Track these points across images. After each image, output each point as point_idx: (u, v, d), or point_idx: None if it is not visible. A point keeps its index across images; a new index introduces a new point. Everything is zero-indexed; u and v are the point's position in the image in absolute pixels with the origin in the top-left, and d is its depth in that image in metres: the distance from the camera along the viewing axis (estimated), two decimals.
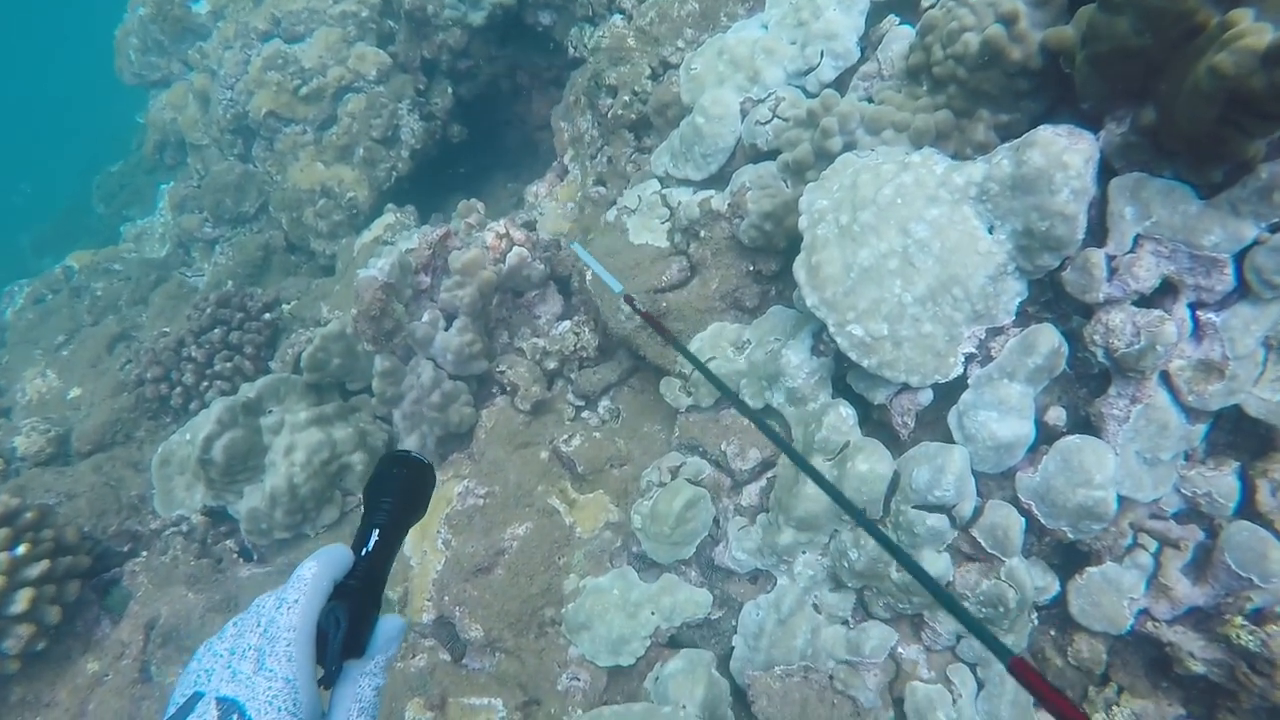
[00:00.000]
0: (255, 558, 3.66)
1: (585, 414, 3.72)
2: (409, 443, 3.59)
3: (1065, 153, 2.32)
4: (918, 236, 2.55)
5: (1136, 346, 2.35)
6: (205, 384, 4.13)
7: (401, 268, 3.45)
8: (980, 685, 2.78)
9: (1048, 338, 2.48)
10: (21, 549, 2.77)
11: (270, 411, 3.57)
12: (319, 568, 0.85)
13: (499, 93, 6.23)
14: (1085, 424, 2.58)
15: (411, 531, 3.26)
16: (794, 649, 2.87)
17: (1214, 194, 2.25)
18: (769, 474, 3.11)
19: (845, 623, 2.91)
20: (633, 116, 4.12)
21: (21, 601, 2.71)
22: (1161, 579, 2.57)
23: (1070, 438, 2.51)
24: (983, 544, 2.62)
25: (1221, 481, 2.47)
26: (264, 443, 3.53)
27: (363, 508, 1.00)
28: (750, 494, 3.12)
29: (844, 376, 2.93)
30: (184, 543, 3.44)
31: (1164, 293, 2.41)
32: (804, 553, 2.92)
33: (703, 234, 3.38)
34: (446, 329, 3.62)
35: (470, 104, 6.19)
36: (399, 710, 2.96)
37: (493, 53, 5.90)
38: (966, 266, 2.51)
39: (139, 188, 9.03)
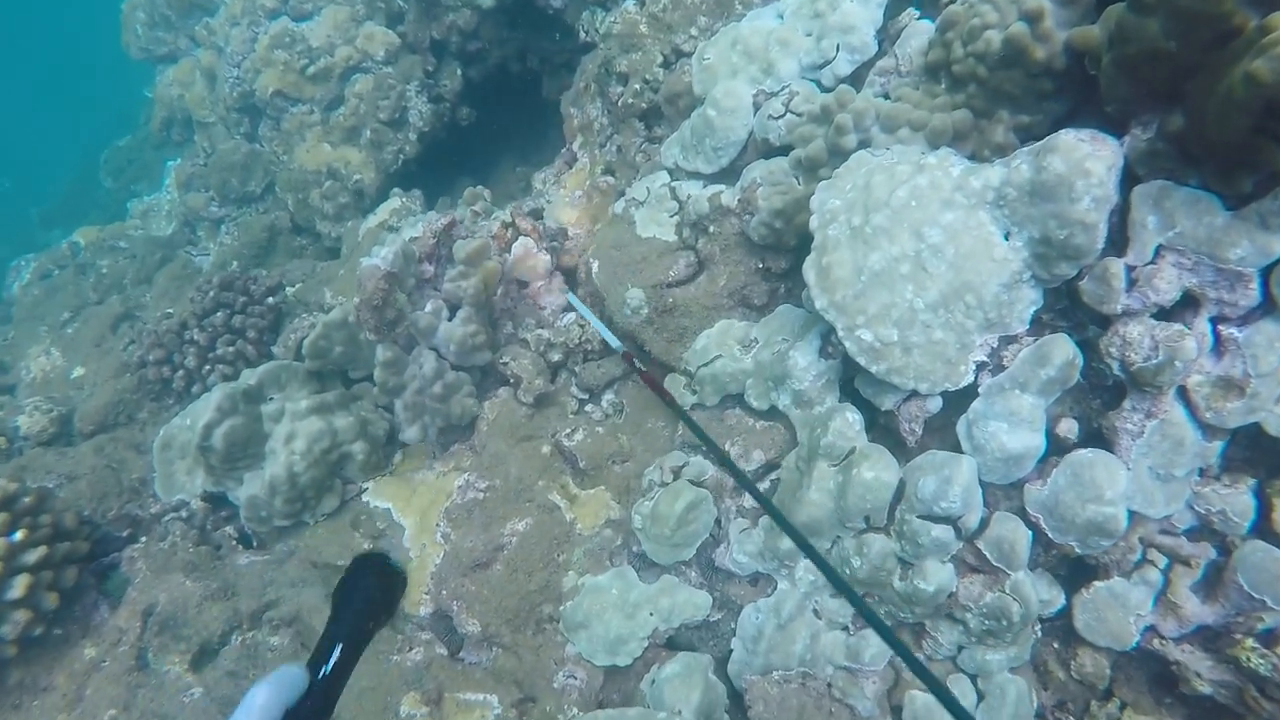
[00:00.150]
0: (255, 544, 3.65)
1: (589, 408, 3.68)
2: (410, 433, 3.55)
3: (1087, 159, 2.24)
4: (931, 241, 2.48)
5: (1154, 361, 2.28)
6: (207, 367, 4.10)
7: (405, 256, 3.40)
8: (980, 696, 2.75)
9: (1062, 349, 2.41)
10: (19, 535, 2.76)
11: (271, 399, 3.54)
12: (269, 696, 0.81)
13: (509, 75, 6.13)
14: (1098, 436, 2.52)
15: (411, 524, 3.24)
16: (793, 654, 2.84)
17: (1242, 205, 2.17)
18: (772, 475, 3.07)
19: (845, 629, 2.88)
20: (643, 105, 4.03)
21: (18, 588, 2.70)
22: (1170, 596, 2.53)
23: (1081, 451, 2.46)
24: (988, 556, 2.57)
25: (1237, 499, 2.42)
26: (264, 430, 3.51)
27: (330, 610, 0.97)
28: None
29: (852, 379, 2.88)
30: (183, 528, 3.43)
31: (1185, 305, 2.34)
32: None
33: (712, 229, 3.32)
34: (450, 319, 3.58)
35: (479, 86, 6.11)
36: (394, 704, 2.96)
37: (503, 35, 5.80)
38: (980, 273, 2.45)
39: (147, 162, 8.98)
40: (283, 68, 5.63)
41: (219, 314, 4.17)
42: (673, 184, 3.57)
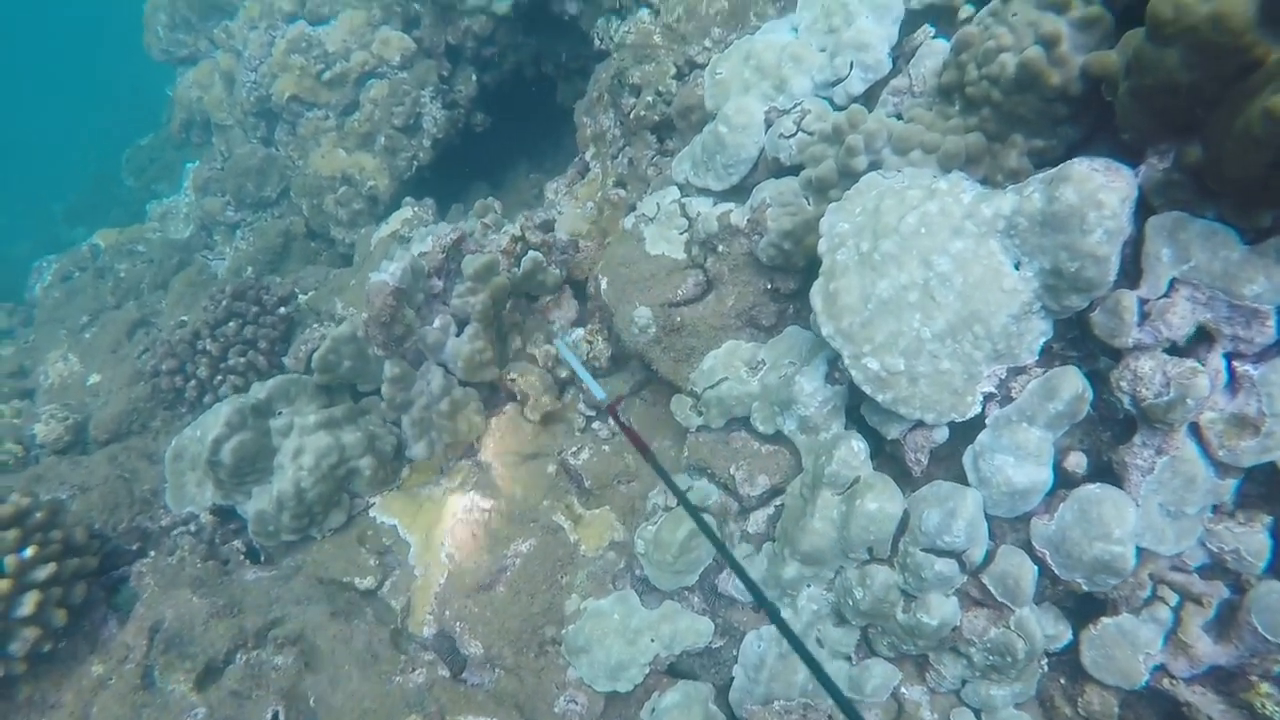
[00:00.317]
0: (263, 558, 3.67)
1: (595, 425, 3.66)
2: (417, 450, 3.56)
3: (1100, 190, 2.18)
4: (940, 270, 2.44)
5: (1165, 398, 2.23)
6: (219, 378, 4.14)
7: (413, 272, 3.40)
8: None
9: (1071, 383, 2.36)
10: (29, 551, 2.79)
11: (280, 413, 3.56)
12: None
13: (523, 80, 6.12)
14: (1107, 470, 2.47)
15: (417, 540, 3.24)
16: (794, 684, 2.81)
17: (1260, 239, 2.11)
18: (777, 501, 3.04)
19: (848, 659, 2.85)
20: (655, 118, 4.00)
21: (28, 605, 2.74)
22: (1181, 635, 2.47)
23: (1089, 487, 2.41)
24: (993, 591, 2.53)
25: (1251, 539, 2.35)
26: (273, 445, 3.53)
27: None
28: (757, 520, 3.05)
29: (859, 404, 2.84)
30: (192, 542, 3.46)
31: (1199, 340, 2.27)
32: (809, 586, 2.85)
33: (720, 249, 3.28)
34: (458, 334, 3.58)
35: (494, 91, 6.10)
36: None
37: (518, 40, 5.79)
38: (989, 304, 2.40)
39: (168, 162, 9.08)
40: (299, 72, 5.64)
41: (231, 324, 4.19)
42: (682, 200, 3.53)
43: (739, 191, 3.38)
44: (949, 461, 2.68)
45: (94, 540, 3.25)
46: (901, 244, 2.51)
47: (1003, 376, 2.49)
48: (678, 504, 3.04)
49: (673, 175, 3.66)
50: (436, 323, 3.52)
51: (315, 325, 4.29)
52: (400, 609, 3.36)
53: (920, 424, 2.60)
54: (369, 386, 3.78)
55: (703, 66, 3.84)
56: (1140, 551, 2.37)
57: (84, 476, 3.76)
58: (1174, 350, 2.29)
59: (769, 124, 3.28)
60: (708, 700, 2.84)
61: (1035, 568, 2.50)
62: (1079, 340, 2.48)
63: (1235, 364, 2.25)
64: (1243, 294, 2.13)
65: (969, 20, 2.91)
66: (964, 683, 2.72)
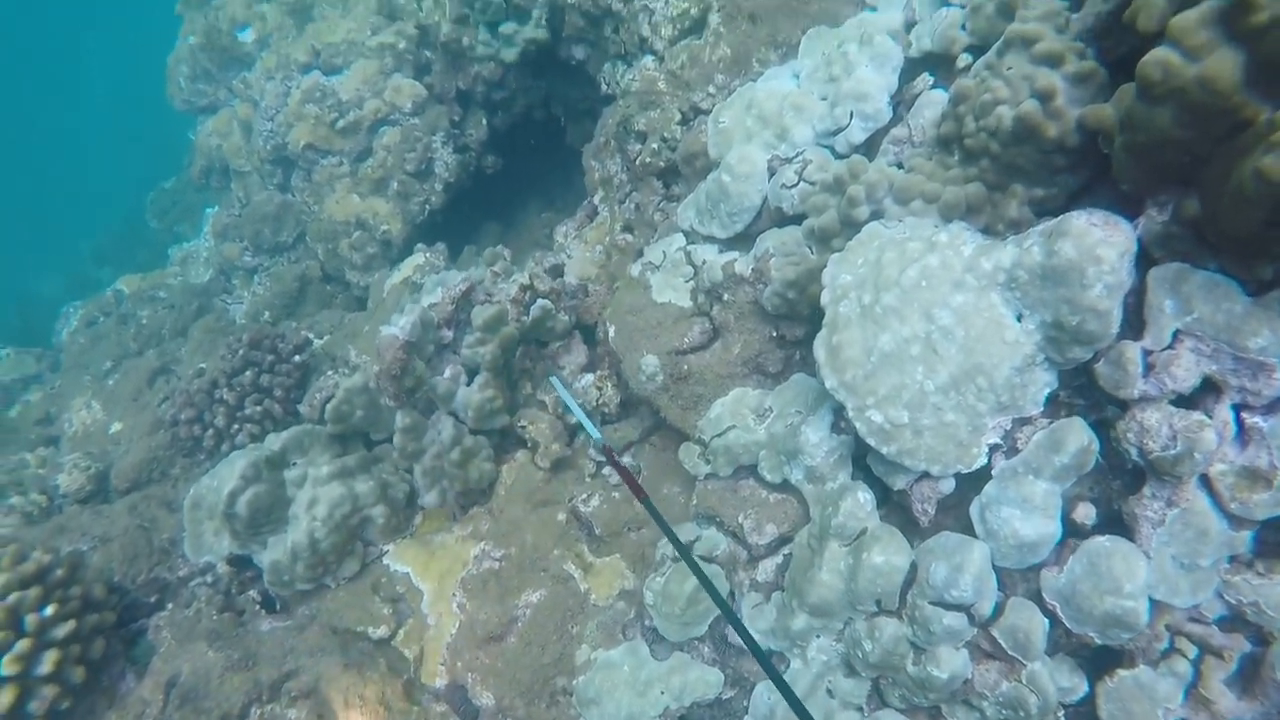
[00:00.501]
0: (278, 606, 3.71)
1: (606, 470, 3.68)
2: (429, 499, 3.60)
3: (1099, 245, 2.18)
4: (942, 323, 2.45)
5: (1173, 451, 2.21)
6: (236, 426, 4.21)
7: (423, 324, 3.45)
8: None
9: (1076, 436, 2.34)
10: (50, 609, 2.85)
11: (294, 463, 3.61)
12: None
13: (533, 122, 6.22)
14: (1117, 520, 2.44)
15: (430, 589, 3.27)
16: None
17: (1262, 292, 2.09)
18: (785, 549, 3.03)
19: (859, 710, 2.82)
20: (661, 164, 4.05)
21: (48, 663, 2.78)
22: (1202, 689, 2.42)
23: (1099, 540, 2.38)
24: (1003, 645, 2.50)
25: (1271, 591, 2.30)
26: (288, 495, 3.57)
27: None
28: (766, 569, 3.04)
29: (865, 454, 2.84)
30: (209, 593, 3.50)
31: (1206, 390, 2.25)
32: (818, 637, 2.84)
33: (726, 297, 3.31)
34: (468, 383, 3.62)
35: (504, 134, 6.20)
36: None
37: (528, 84, 5.89)
38: (992, 356, 2.40)
39: (190, 204, 9.31)
40: (314, 121, 5.78)
41: (248, 372, 4.27)
42: (688, 248, 3.57)
43: (744, 239, 3.41)
44: (957, 510, 2.67)
45: (113, 595, 3.31)
46: (903, 297, 2.52)
47: (1008, 428, 2.49)
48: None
49: (678, 222, 3.70)
50: (447, 373, 3.56)
51: (330, 372, 4.36)
52: (413, 658, 3.38)
53: (926, 475, 2.60)
54: (382, 435, 3.83)
55: (707, 112, 3.89)
56: (1155, 603, 2.34)
57: (105, 527, 3.83)
58: (1181, 401, 2.27)
59: (772, 172, 3.32)
60: None
61: (1046, 621, 2.47)
62: (1085, 388, 2.46)
63: (1244, 415, 2.23)
64: (1247, 346, 2.11)
65: (966, 69, 2.94)
66: None
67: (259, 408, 4.21)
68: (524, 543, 3.42)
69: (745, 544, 3.07)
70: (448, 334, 3.62)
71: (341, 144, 5.81)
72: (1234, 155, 1.92)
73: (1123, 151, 2.20)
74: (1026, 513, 2.42)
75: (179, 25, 7.49)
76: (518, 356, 3.84)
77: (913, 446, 2.52)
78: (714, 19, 3.97)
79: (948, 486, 2.60)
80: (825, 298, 2.75)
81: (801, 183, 3.13)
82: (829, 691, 2.85)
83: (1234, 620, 2.41)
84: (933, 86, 3.02)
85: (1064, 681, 2.55)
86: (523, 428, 3.72)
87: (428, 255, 4.96)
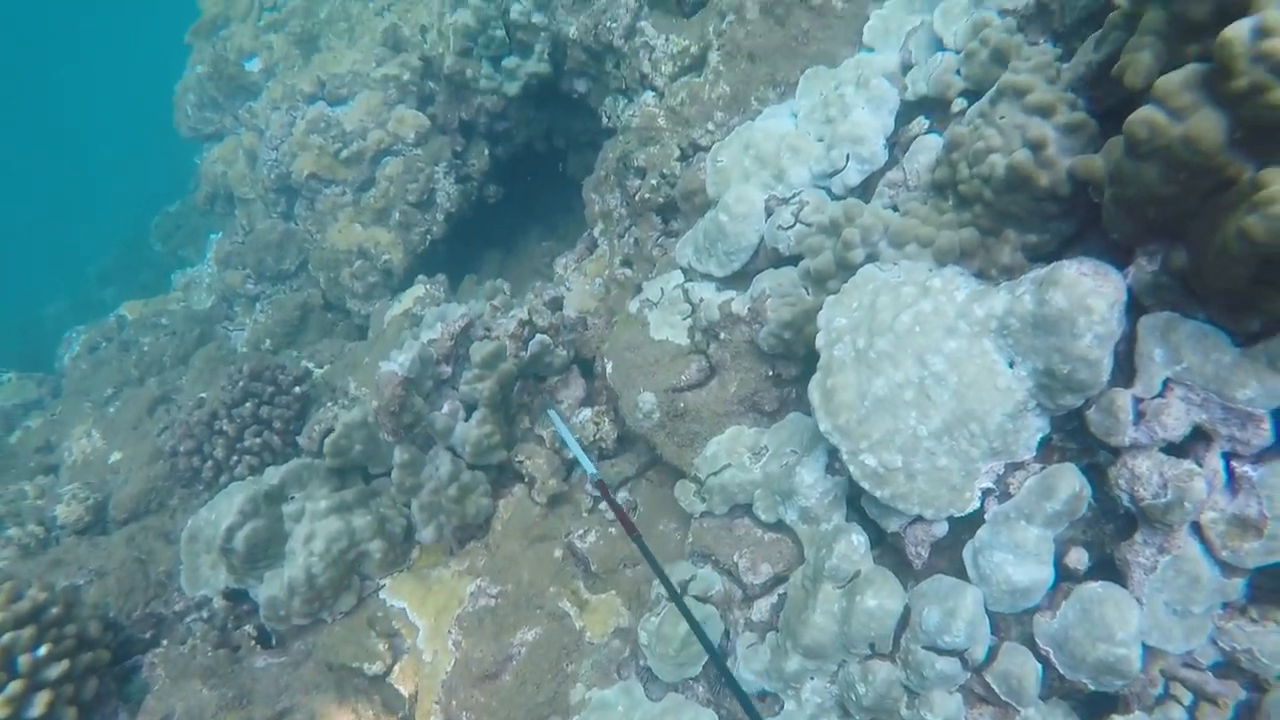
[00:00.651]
0: (274, 641, 3.70)
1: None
2: (426, 534, 3.61)
3: (1089, 295, 2.21)
4: (935, 369, 2.47)
5: (1163, 499, 2.22)
6: (235, 458, 4.22)
7: (422, 361, 3.48)
8: None
9: (1068, 482, 2.36)
10: (43, 650, 2.85)
11: (292, 498, 3.62)
12: None
13: (535, 153, 6.29)
14: (1110, 564, 2.44)
15: (426, 625, 3.26)
16: None
17: (1251, 343, 2.11)
18: (780, 589, 3.03)
19: None
20: (660, 200, 4.10)
21: (39, 705, 2.78)
22: None
23: (1092, 586, 2.38)
24: (996, 690, 2.50)
25: (1265, 639, 2.31)
26: (285, 530, 3.58)
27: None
28: (761, 609, 3.04)
29: (860, 496, 2.85)
30: (204, 629, 3.50)
31: (1196, 437, 2.27)
32: (812, 678, 2.83)
33: (723, 335, 3.33)
34: (466, 419, 3.64)
35: (506, 164, 6.27)
36: None
37: (530, 115, 5.96)
38: (984, 402, 2.42)
39: (194, 228, 9.39)
40: (318, 151, 5.84)
41: (247, 404, 4.29)
42: (686, 285, 3.60)
43: (740, 277, 3.45)
44: (951, 551, 2.67)
45: (108, 632, 3.31)
46: (896, 342, 2.55)
47: (1000, 472, 2.50)
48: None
49: (676, 259, 3.74)
50: (445, 408, 3.58)
51: (329, 403, 4.38)
52: (408, 696, 3.37)
53: (920, 518, 2.61)
54: (380, 469, 3.84)
55: (706, 149, 3.94)
56: (1148, 649, 2.34)
57: (102, 560, 3.84)
58: (1172, 448, 2.29)
59: (769, 212, 3.35)
60: None
61: (1039, 666, 2.47)
62: (1078, 433, 2.48)
63: (1234, 464, 2.24)
64: (1236, 397, 2.13)
65: (961, 114, 2.99)
66: None
67: (258, 440, 4.23)
68: (520, 579, 3.42)
69: (740, 583, 3.07)
70: (446, 370, 3.65)
71: (345, 174, 5.87)
72: (1219, 212, 1.95)
73: (1112, 203, 2.23)
74: (1019, 558, 2.42)
75: (187, 52, 7.61)
76: (516, 391, 3.86)
77: (906, 490, 2.53)
78: (714, 57, 4.03)
79: (941, 530, 2.61)
80: (820, 340, 2.77)
81: (798, 224, 3.16)
82: None
83: (1228, 667, 2.41)
84: (928, 131, 3.07)
85: None
86: (520, 463, 3.73)
87: (428, 287, 5.00)
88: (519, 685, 3.14)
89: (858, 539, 2.70)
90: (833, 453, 2.90)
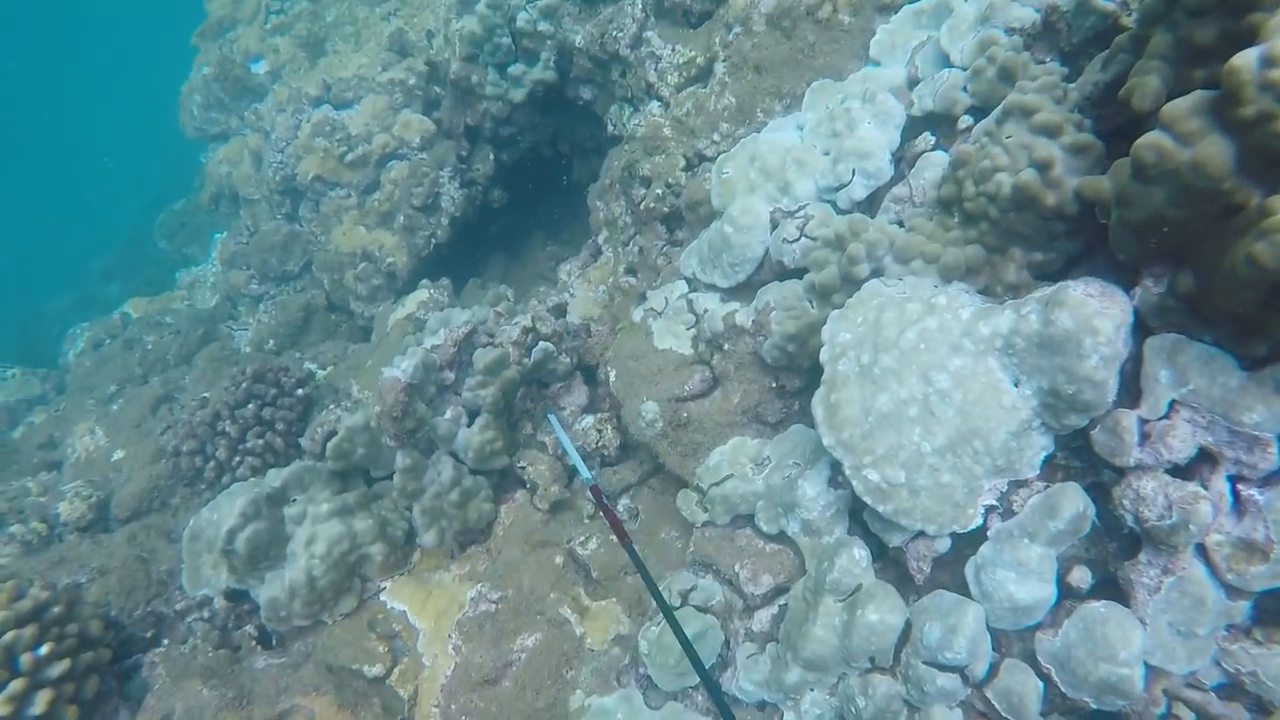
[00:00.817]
0: (274, 642, 3.70)
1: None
2: (427, 539, 3.61)
3: (1095, 317, 2.22)
4: (939, 386, 2.47)
5: (1168, 521, 2.22)
6: (237, 459, 4.23)
7: (425, 367, 3.48)
8: None
9: (1071, 502, 2.36)
10: (45, 649, 2.85)
11: (294, 500, 3.63)
12: None
13: (540, 158, 6.30)
14: (1113, 583, 2.45)
15: (426, 628, 3.26)
16: None
17: (1258, 367, 2.12)
18: (781, 600, 3.04)
19: None
20: (665, 209, 4.11)
21: (41, 703, 2.79)
22: None
23: (1094, 605, 2.39)
24: (997, 707, 2.50)
25: (1270, 661, 2.30)
26: (287, 532, 3.59)
27: None
28: (762, 619, 3.05)
29: (862, 509, 2.85)
30: (205, 629, 3.51)
31: (1202, 459, 2.27)
32: (812, 690, 2.83)
33: (726, 347, 3.34)
34: (469, 425, 3.64)
35: (511, 168, 6.27)
36: None
37: (535, 121, 5.97)
38: (989, 420, 2.42)
39: (198, 225, 9.40)
40: (323, 154, 5.86)
41: (250, 405, 4.30)
42: (690, 295, 3.61)
43: (745, 289, 3.45)
44: (953, 567, 2.67)
45: (109, 630, 3.31)
46: (901, 359, 2.55)
47: (1004, 490, 2.51)
48: (680, 603, 3.05)
49: (681, 269, 3.75)
50: (448, 414, 3.59)
51: (332, 406, 4.39)
52: (408, 698, 3.37)
53: (922, 534, 2.61)
54: (382, 472, 3.85)
55: (712, 159, 3.95)
56: (1151, 669, 2.34)
57: (103, 558, 3.84)
58: (1177, 470, 2.29)
59: (774, 225, 3.36)
60: None
61: (1040, 684, 2.47)
62: (1082, 451, 2.49)
63: (1240, 488, 2.25)
64: (1242, 421, 2.13)
65: (967, 131, 3.00)
66: None
67: (261, 441, 4.23)
68: (521, 585, 3.43)
69: (741, 593, 3.07)
70: (449, 375, 3.65)
71: (350, 177, 5.88)
72: (1227, 237, 1.96)
73: (1118, 225, 2.23)
74: (1022, 576, 2.43)
75: (194, 54, 7.63)
76: (519, 397, 3.87)
77: (909, 506, 2.54)
78: (720, 68, 4.04)
79: (943, 546, 2.62)
80: (824, 355, 2.78)
81: (803, 238, 3.17)
82: None
83: (1233, 689, 2.40)
84: (934, 147, 3.07)
85: None
86: (522, 469, 3.74)
87: (432, 291, 5.01)
88: (518, 691, 3.14)
89: (859, 553, 2.71)
90: (836, 466, 2.90)
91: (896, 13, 3.48)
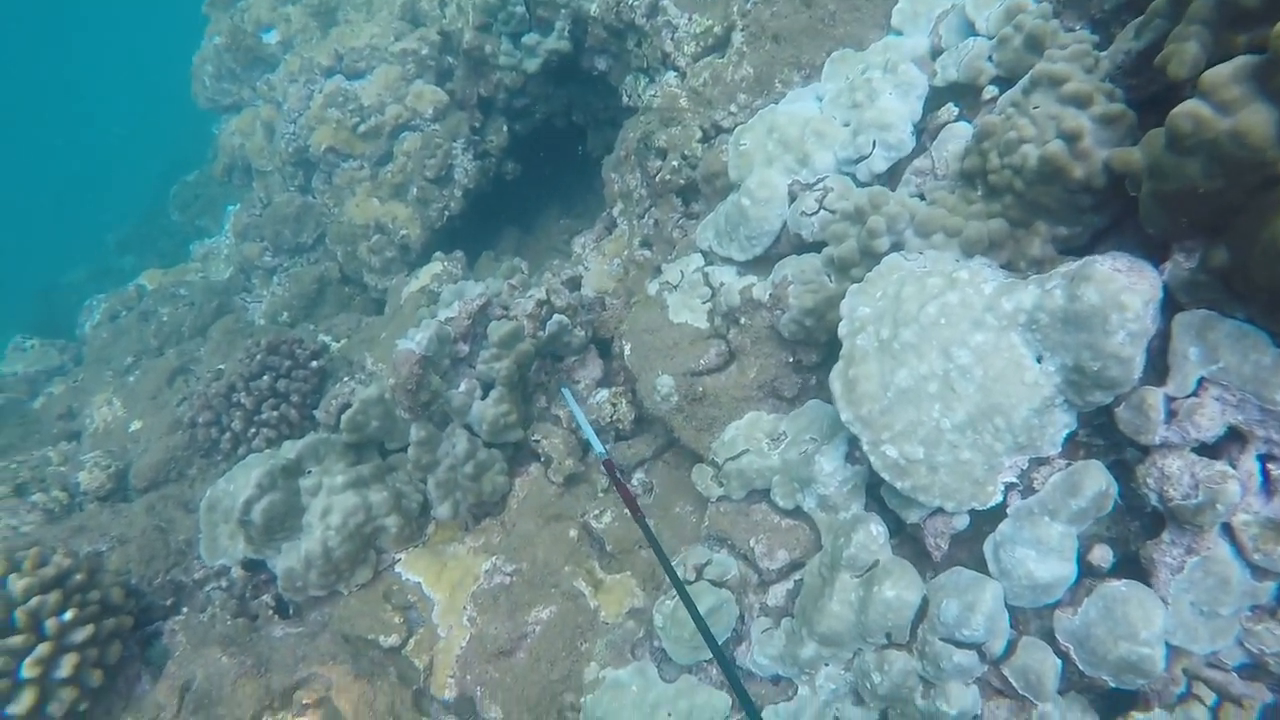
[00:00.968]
0: (291, 611, 3.74)
1: None
2: (442, 511, 3.62)
3: (1123, 292, 2.16)
4: (960, 362, 2.44)
5: (1194, 501, 2.19)
6: (253, 430, 4.25)
7: (439, 339, 3.47)
8: None
9: (1094, 480, 2.32)
10: (69, 614, 2.89)
11: (309, 472, 3.64)
12: None
13: (554, 130, 6.23)
14: (1134, 562, 2.42)
15: (441, 599, 3.29)
16: None
17: None
18: (796, 575, 3.03)
19: None
20: (681, 182, 4.05)
21: (66, 667, 2.83)
22: None
23: (1115, 584, 2.36)
24: (1014, 684, 2.49)
25: None
26: (302, 503, 3.61)
27: None
28: (777, 594, 3.04)
29: (879, 484, 2.83)
30: (223, 598, 3.55)
31: (1231, 438, 2.23)
32: (827, 665, 2.84)
33: (743, 320, 3.31)
34: (483, 397, 3.64)
35: (525, 139, 6.21)
36: None
37: (549, 91, 5.90)
38: (1010, 396, 2.38)
39: (212, 197, 9.39)
40: (335, 125, 5.81)
41: (265, 377, 4.31)
42: (706, 269, 3.57)
43: (762, 262, 3.41)
44: (971, 544, 2.65)
45: (130, 598, 3.35)
46: (921, 334, 2.51)
47: (1024, 467, 2.47)
48: (695, 578, 3.05)
49: (697, 242, 3.70)
50: (462, 386, 3.58)
51: (345, 378, 4.39)
52: (423, 668, 3.41)
53: (940, 510, 2.59)
54: (396, 444, 3.86)
55: (728, 131, 3.88)
56: (1172, 648, 2.32)
57: (123, 527, 3.88)
58: (1204, 448, 2.25)
59: (792, 197, 3.30)
60: None
61: (1058, 662, 2.45)
62: (1105, 428, 2.44)
63: (1270, 467, 2.20)
64: (1275, 399, 2.08)
65: (992, 101, 2.92)
66: None
67: (275, 413, 4.25)
68: (535, 558, 3.44)
69: (756, 568, 3.07)
70: (463, 348, 3.64)
71: (362, 148, 5.84)
72: (1266, 209, 1.90)
73: (1150, 198, 2.17)
74: (1041, 554, 2.40)
75: (205, 23, 7.56)
76: (533, 370, 3.86)
77: (927, 483, 2.51)
78: (737, 38, 3.97)
79: (962, 523, 2.59)
80: (843, 329, 2.74)
81: (822, 210, 3.11)
82: (836, 719, 2.85)
83: (1256, 669, 2.38)
84: (958, 118, 3.00)
85: None
86: (536, 442, 3.73)
87: (446, 263, 4.98)
88: (533, 662, 3.16)
89: (877, 529, 2.69)
90: (853, 442, 2.88)
91: None
